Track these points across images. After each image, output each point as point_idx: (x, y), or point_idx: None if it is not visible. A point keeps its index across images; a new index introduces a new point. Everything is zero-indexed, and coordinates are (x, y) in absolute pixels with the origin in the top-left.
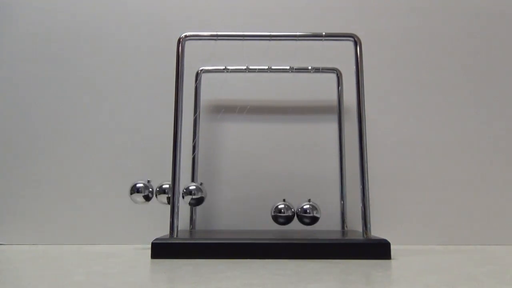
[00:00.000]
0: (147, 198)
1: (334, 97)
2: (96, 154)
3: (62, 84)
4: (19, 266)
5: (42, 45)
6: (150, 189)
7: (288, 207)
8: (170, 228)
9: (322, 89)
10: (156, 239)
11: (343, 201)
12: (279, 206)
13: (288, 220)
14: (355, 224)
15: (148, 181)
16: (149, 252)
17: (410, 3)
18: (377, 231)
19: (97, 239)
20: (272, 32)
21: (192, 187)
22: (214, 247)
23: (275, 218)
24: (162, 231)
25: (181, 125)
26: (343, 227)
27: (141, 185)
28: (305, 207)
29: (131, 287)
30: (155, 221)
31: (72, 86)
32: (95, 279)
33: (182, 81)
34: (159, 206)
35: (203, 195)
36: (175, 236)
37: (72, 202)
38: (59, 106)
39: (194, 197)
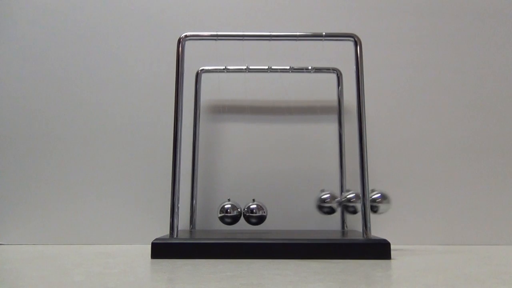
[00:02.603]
0: (236, 219)
1: (334, 97)
2: (95, 154)
3: (62, 84)
4: (19, 266)
5: (41, 46)
6: (238, 209)
7: (234, 207)
8: (170, 228)
9: (322, 89)
10: (156, 239)
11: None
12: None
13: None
14: (355, 224)
15: (229, 200)
16: (149, 252)
17: (410, 3)
18: (377, 231)
19: (97, 239)
20: (272, 32)
21: (253, 206)
22: (214, 247)
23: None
24: (162, 231)
25: (181, 125)
26: (343, 227)
27: (229, 205)
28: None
29: (131, 287)
30: (155, 221)
31: (72, 86)
32: (95, 279)
33: (182, 81)
34: (159, 206)
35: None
36: (175, 236)
37: (72, 202)
38: (59, 106)
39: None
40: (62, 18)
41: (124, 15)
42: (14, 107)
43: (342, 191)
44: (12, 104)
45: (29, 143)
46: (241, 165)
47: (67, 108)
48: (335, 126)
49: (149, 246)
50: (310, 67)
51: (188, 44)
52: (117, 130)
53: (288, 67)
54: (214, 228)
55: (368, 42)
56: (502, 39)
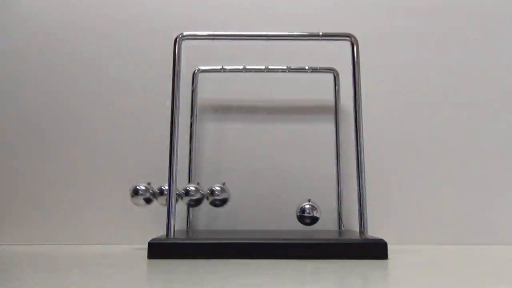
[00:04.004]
0: (148, 201)
1: (331, 97)
2: (94, 154)
3: (60, 84)
4: (19, 266)
5: (40, 45)
6: (151, 191)
7: (313, 208)
8: (167, 228)
9: (319, 89)
10: (153, 239)
11: (340, 201)
12: (306, 207)
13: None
14: (352, 224)
15: (149, 183)
16: (145, 252)
17: (408, 3)
18: (374, 231)
19: (93, 239)
20: (269, 32)
21: (191, 188)
22: (212, 247)
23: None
24: (159, 231)
25: (177, 125)
26: (340, 227)
27: (142, 187)
28: (306, 206)
29: (128, 287)
30: (152, 221)
31: (69, 86)
32: (92, 279)
33: (179, 81)
34: (158, 207)
35: (201, 196)
36: (172, 236)
37: (71, 202)
38: (57, 106)
39: (193, 198)
40: (60, 18)
41: (121, 14)
42: (13, 107)
43: (339, 190)
44: (12, 104)
45: (28, 143)
46: (238, 166)
47: (65, 108)
48: (331, 127)
49: (146, 246)
50: (307, 67)
51: (185, 44)
52: (114, 130)
53: (285, 67)
54: (212, 228)
55: (365, 42)
56: (502, 39)
